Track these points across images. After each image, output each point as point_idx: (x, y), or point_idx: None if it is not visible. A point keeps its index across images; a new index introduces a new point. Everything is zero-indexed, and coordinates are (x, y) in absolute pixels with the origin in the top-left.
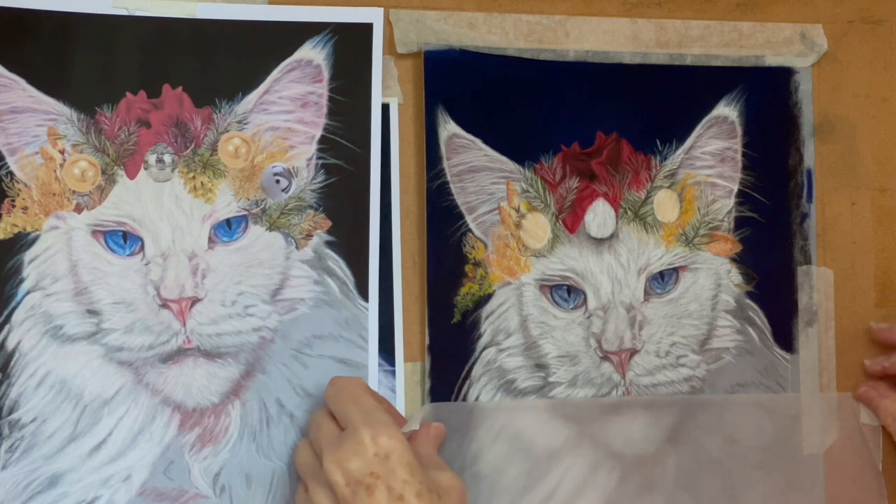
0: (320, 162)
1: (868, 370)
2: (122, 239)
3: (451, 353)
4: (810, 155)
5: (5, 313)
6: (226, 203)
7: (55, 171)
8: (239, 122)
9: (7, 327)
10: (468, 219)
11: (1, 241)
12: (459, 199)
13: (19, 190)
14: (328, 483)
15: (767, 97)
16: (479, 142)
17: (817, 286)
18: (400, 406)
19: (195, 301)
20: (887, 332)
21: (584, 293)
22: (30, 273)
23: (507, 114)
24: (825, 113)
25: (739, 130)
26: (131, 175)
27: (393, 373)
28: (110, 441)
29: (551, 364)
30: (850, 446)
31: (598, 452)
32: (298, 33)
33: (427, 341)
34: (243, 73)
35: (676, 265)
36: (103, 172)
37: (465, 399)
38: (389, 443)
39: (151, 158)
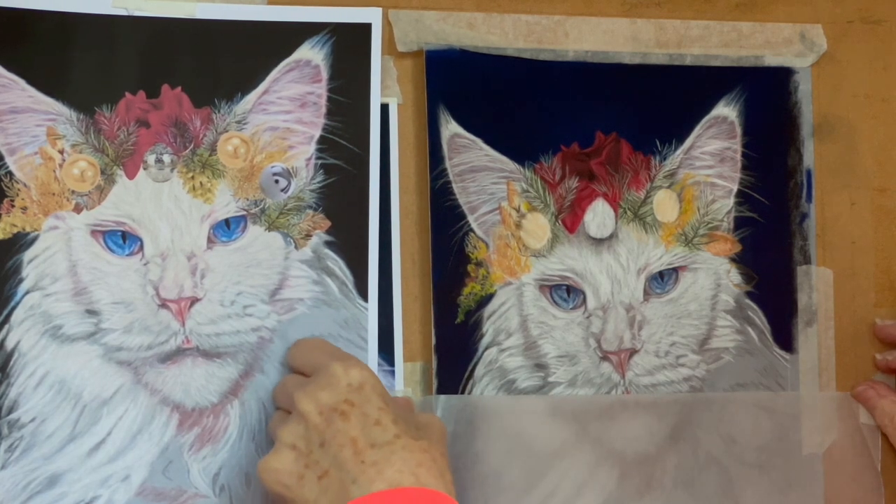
0: (319, 162)
1: (878, 364)
2: (122, 239)
3: (455, 353)
4: (810, 155)
5: (5, 313)
6: (225, 203)
7: (54, 171)
8: (238, 122)
9: (6, 327)
10: (470, 219)
11: (0, 241)
12: (461, 199)
13: (18, 190)
14: (298, 415)
15: (767, 97)
16: (479, 141)
17: (817, 286)
18: None
19: (194, 301)
20: (891, 329)
21: (584, 293)
22: (29, 273)
23: (507, 114)
24: (825, 113)
25: (739, 130)
26: (130, 175)
27: (393, 373)
28: (109, 441)
29: (551, 364)
30: (850, 446)
31: (598, 452)
32: (297, 33)
33: (434, 341)
34: (242, 73)
35: (676, 265)
36: (102, 172)
37: None
38: (362, 374)
39: (150, 158)
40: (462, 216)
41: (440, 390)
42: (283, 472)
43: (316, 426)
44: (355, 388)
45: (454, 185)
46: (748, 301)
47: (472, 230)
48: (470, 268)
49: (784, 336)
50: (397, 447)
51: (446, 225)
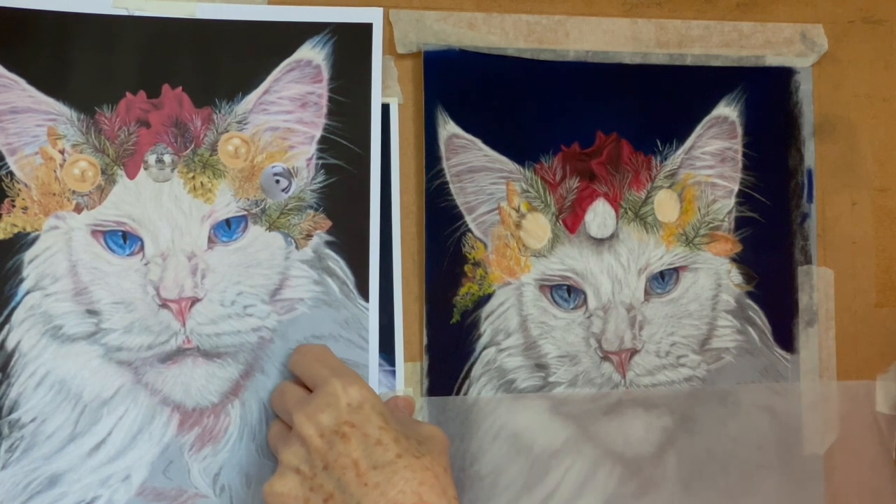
0: (320, 162)
1: None
2: (122, 239)
3: (450, 353)
4: (811, 155)
5: (5, 313)
6: (225, 203)
7: (55, 171)
8: (239, 122)
9: (7, 327)
10: (468, 219)
11: (1, 241)
12: (459, 200)
13: (19, 190)
14: (299, 438)
15: (768, 97)
16: (478, 142)
17: (817, 286)
18: None
19: (194, 301)
20: None
21: (585, 293)
22: (30, 273)
23: (507, 114)
24: (825, 113)
25: (740, 130)
26: (131, 175)
27: (393, 373)
28: (109, 441)
29: (551, 364)
30: (867, 434)
31: (598, 452)
32: (298, 33)
33: (425, 341)
34: (243, 73)
35: (677, 265)
36: (103, 172)
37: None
38: (361, 392)
39: (151, 158)
40: (459, 216)
41: (432, 390)
42: (289, 496)
43: (317, 449)
44: (355, 407)
45: (451, 186)
46: (749, 301)
47: (469, 230)
48: (467, 268)
49: (785, 336)
50: (399, 467)
51: (442, 225)
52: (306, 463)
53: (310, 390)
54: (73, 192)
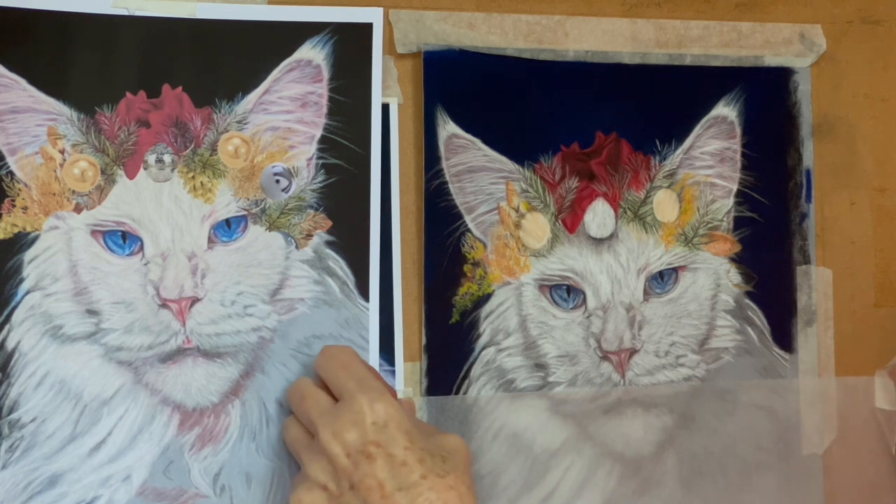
0: (320, 162)
1: None
2: (122, 239)
3: (449, 353)
4: (809, 155)
5: (5, 313)
6: (225, 203)
7: (55, 171)
8: (239, 122)
9: (7, 327)
10: (467, 219)
11: (1, 240)
12: (458, 199)
13: (19, 190)
14: (326, 455)
15: (766, 97)
16: (478, 142)
17: (816, 286)
18: None
19: (194, 301)
20: None
21: (584, 293)
22: (30, 273)
23: (507, 114)
24: (824, 113)
25: (738, 130)
26: (131, 175)
27: (393, 373)
28: (110, 441)
29: (551, 364)
30: (866, 430)
31: (597, 451)
32: (298, 33)
33: (424, 341)
34: (243, 73)
35: (676, 265)
36: (103, 172)
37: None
38: (387, 410)
39: (151, 158)
40: (458, 216)
41: (431, 390)
42: None
43: (344, 469)
44: (381, 426)
45: (451, 186)
46: (748, 301)
47: (468, 230)
48: (466, 268)
49: (784, 336)
50: (424, 488)
51: (441, 225)
52: (333, 481)
53: (330, 392)
54: (73, 191)
